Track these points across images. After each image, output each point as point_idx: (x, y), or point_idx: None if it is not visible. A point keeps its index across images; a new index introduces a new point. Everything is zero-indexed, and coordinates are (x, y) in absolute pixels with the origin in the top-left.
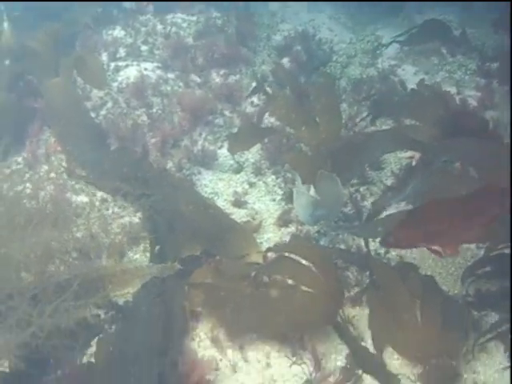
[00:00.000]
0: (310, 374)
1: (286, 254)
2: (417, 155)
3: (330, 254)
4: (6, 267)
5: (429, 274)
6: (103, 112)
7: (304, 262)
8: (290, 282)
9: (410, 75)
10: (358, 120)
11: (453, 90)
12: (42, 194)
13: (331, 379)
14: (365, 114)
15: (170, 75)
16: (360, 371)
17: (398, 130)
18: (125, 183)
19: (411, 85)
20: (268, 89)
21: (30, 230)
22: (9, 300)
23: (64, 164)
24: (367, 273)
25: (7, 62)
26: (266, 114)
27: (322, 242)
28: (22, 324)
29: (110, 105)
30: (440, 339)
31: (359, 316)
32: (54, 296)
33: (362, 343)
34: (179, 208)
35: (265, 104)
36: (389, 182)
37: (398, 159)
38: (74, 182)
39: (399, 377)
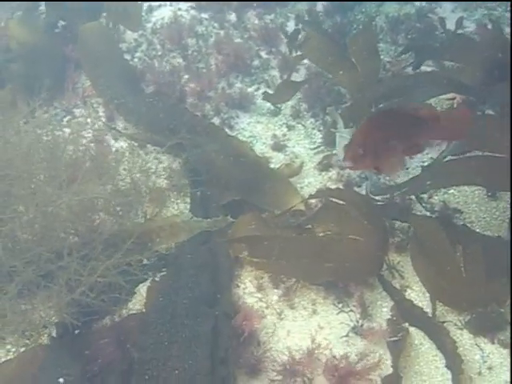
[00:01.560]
0: (357, 321)
1: (332, 202)
2: (458, 97)
3: (373, 203)
4: (53, 226)
5: (473, 218)
6: (138, 54)
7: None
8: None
9: (449, 12)
10: (399, 65)
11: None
12: (82, 140)
13: (377, 327)
14: (405, 57)
15: (204, 15)
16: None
17: (441, 72)
18: (161, 130)
19: (450, 23)
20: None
21: (74, 185)
22: (58, 260)
23: (102, 108)
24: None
25: (41, 8)
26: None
27: (363, 186)
28: (72, 283)
29: (144, 47)
30: (485, 288)
31: (404, 262)
32: (103, 253)
33: (408, 290)
34: (212, 158)
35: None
36: None
37: (438, 100)
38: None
39: (445, 324)
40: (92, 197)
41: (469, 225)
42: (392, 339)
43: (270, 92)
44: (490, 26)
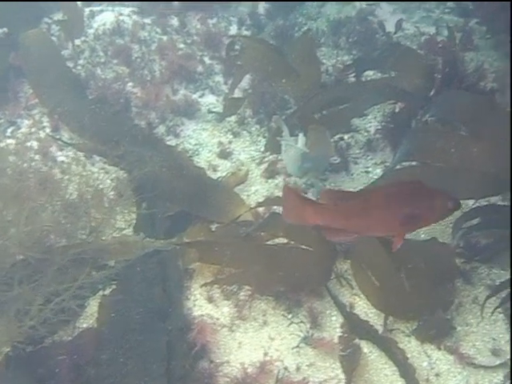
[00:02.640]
0: (307, 332)
1: (277, 211)
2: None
3: None
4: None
5: None
6: (81, 61)
7: None
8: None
9: (388, 15)
10: (342, 71)
11: (432, 30)
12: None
13: (328, 336)
14: (348, 63)
15: (147, 20)
16: (357, 339)
17: (383, 80)
18: (106, 140)
19: (390, 25)
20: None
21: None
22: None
23: (46, 118)
24: None
25: None
26: None
27: (309, 194)
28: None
29: (87, 53)
30: (429, 295)
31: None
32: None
33: (356, 298)
34: (155, 169)
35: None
36: (372, 129)
37: (380, 105)
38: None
39: (394, 332)
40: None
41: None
42: (343, 354)
43: (215, 110)
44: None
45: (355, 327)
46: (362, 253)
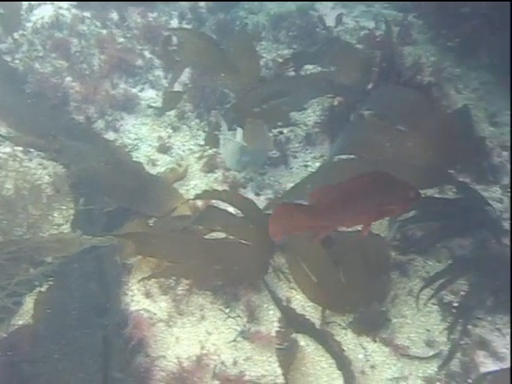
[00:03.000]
0: (244, 326)
1: (215, 204)
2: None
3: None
4: None
5: None
6: (19, 55)
7: (232, 210)
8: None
9: (329, 9)
10: (281, 65)
11: (371, 24)
12: None
13: (265, 330)
14: (288, 57)
15: (86, 14)
16: (294, 333)
17: (321, 74)
18: (43, 134)
19: (330, 19)
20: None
21: None
22: None
23: None
24: None
25: None
26: None
27: (248, 188)
28: None
29: (25, 47)
30: (365, 288)
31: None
32: None
33: (294, 292)
34: (93, 165)
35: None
36: (311, 123)
37: (319, 99)
38: None
39: (330, 325)
40: None
41: None
42: (280, 347)
43: (154, 105)
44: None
45: (292, 321)
46: (298, 247)
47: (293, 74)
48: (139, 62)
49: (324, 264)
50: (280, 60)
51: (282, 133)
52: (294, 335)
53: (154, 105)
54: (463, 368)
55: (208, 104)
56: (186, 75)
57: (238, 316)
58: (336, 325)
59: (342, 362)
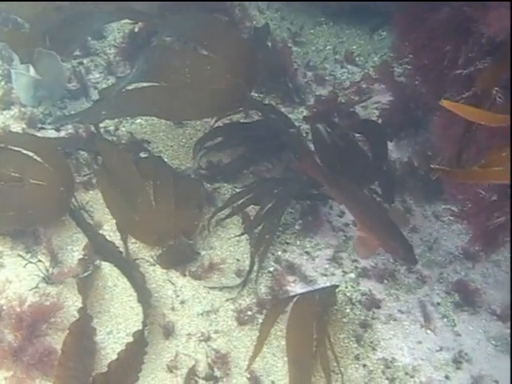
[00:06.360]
0: (47, 270)
1: (8, 147)
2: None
3: (55, 143)
4: None
5: (161, 148)
6: None
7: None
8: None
9: None
10: None
11: None
12: None
13: (69, 272)
14: None
15: None
16: (98, 260)
17: None
18: None
19: None
20: None
21: None
22: None
23: None
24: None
25: None
26: None
27: (48, 123)
28: None
29: None
30: (174, 219)
31: (94, 200)
32: None
33: (100, 230)
34: None
35: None
36: (112, 52)
37: (120, 25)
38: None
39: (138, 261)
40: None
41: (157, 154)
42: (81, 276)
43: None
44: None
45: (99, 248)
46: (110, 169)
47: None
48: None
49: (136, 187)
50: None
51: (81, 63)
52: (97, 262)
53: None
54: (272, 294)
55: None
56: None
57: (40, 261)
58: (144, 261)
59: (142, 294)
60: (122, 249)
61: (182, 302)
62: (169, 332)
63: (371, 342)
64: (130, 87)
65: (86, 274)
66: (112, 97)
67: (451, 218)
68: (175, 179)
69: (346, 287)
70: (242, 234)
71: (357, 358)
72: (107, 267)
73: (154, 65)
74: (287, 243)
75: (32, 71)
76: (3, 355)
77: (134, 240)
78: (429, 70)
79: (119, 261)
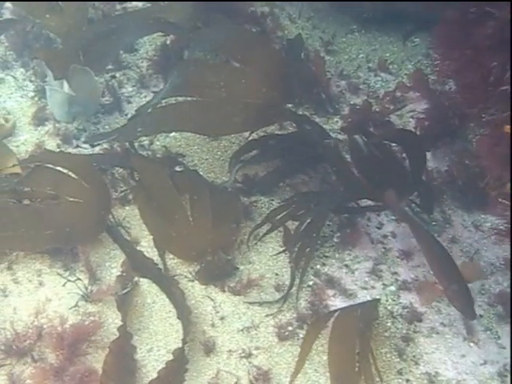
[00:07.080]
0: (86, 288)
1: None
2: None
3: (91, 159)
4: None
5: (196, 161)
6: None
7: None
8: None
9: None
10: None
11: None
12: None
13: (108, 290)
14: None
15: None
16: (136, 277)
17: (148, 10)
18: None
19: None
20: None
21: None
22: None
23: None
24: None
25: None
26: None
27: (82, 139)
28: None
29: None
30: (212, 235)
31: (130, 216)
32: None
33: (137, 246)
34: None
35: None
36: (144, 65)
37: (152, 38)
38: None
39: (176, 277)
40: None
41: (192, 168)
42: (120, 293)
43: None
44: None
45: (136, 265)
46: (146, 185)
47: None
48: None
49: (173, 202)
50: None
51: (114, 77)
52: (136, 279)
53: None
54: (312, 309)
55: (33, 51)
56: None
57: (78, 279)
58: (183, 277)
59: (182, 311)
60: (160, 265)
61: (222, 318)
62: (209, 349)
63: (414, 356)
64: (164, 103)
65: (124, 291)
66: (147, 113)
67: (493, 230)
68: (211, 193)
69: (387, 300)
70: (284, 250)
71: (400, 372)
72: (146, 284)
73: (187, 79)
74: (326, 256)
75: (66, 87)
76: (44, 376)
77: (171, 256)
78: (474, 88)
79: (158, 277)
